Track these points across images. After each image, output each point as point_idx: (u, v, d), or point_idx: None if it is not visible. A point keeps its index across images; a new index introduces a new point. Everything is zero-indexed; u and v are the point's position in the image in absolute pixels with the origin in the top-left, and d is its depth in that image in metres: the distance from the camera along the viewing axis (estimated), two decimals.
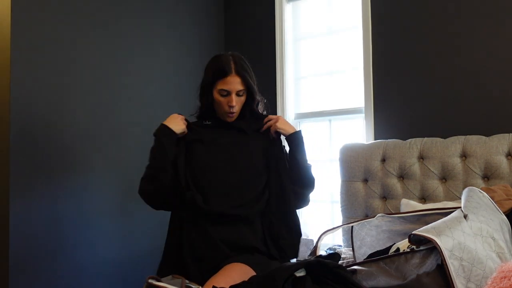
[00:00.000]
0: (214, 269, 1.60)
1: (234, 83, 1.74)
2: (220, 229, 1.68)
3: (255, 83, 1.81)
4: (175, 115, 1.81)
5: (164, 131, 1.75)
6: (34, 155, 2.23)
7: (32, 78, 2.24)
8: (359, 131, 2.77)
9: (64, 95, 2.37)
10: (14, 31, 2.16)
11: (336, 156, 2.57)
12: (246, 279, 1.48)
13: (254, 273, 1.58)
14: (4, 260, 2.11)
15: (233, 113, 1.78)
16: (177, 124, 1.77)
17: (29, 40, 2.23)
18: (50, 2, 2.32)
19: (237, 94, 1.77)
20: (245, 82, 1.76)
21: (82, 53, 2.46)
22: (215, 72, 1.76)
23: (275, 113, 3.00)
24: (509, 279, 1.09)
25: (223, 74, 1.74)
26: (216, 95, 1.77)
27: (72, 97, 2.41)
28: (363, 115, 2.70)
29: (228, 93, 1.75)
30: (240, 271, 1.55)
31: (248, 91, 1.80)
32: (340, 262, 1.38)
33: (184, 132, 1.78)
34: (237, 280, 1.45)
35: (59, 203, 2.32)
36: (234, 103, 1.75)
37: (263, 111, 1.92)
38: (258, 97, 1.84)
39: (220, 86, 1.75)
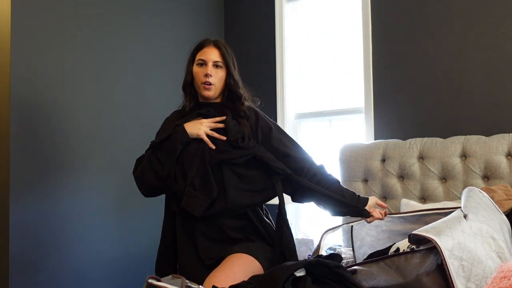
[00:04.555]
0: (214, 261, 1.60)
1: (211, 53, 1.76)
2: (210, 224, 1.68)
3: (235, 66, 1.80)
4: (201, 120, 1.74)
5: (182, 134, 1.70)
6: (34, 155, 2.23)
7: (32, 77, 2.24)
8: (359, 131, 2.77)
9: (63, 95, 2.37)
10: (14, 31, 2.16)
11: (336, 156, 2.57)
12: (248, 270, 1.48)
13: (256, 263, 1.58)
14: (4, 260, 2.11)
15: (209, 83, 1.73)
16: (195, 127, 1.71)
17: (29, 40, 2.23)
18: (50, 2, 2.32)
19: (214, 65, 1.75)
20: (222, 55, 1.76)
21: (82, 53, 2.46)
22: (194, 48, 1.81)
23: (275, 113, 3.01)
24: (509, 279, 1.09)
25: (201, 46, 1.79)
26: (194, 68, 1.77)
27: (72, 97, 2.41)
28: (363, 115, 2.70)
29: (204, 62, 1.74)
30: (242, 263, 1.54)
31: (227, 67, 1.77)
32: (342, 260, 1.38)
33: (199, 135, 1.71)
34: (239, 274, 1.45)
35: (59, 203, 2.32)
36: (209, 71, 1.72)
37: (251, 102, 1.87)
38: (237, 77, 1.80)
39: (198, 56, 1.77)
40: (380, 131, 2.60)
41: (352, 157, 2.47)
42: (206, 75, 1.72)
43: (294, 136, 3.05)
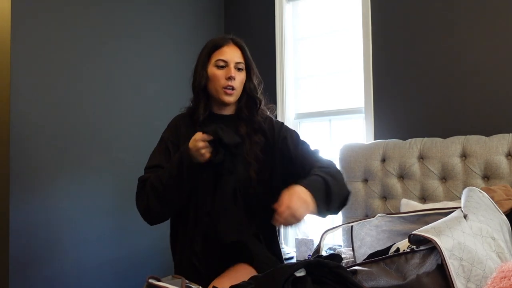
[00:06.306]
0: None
1: (232, 53, 1.56)
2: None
3: (255, 69, 1.63)
4: (196, 139, 1.41)
5: (189, 161, 1.42)
6: (34, 155, 2.23)
7: (32, 78, 2.24)
8: (359, 131, 2.77)
9: (63, 95, 2.37)
10: (14, 31, 2.16)
11: (336, 156, 2.57)
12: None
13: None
14: (4, 260, 2.11)
15: (232, 87, 1.53)
16: (198, 154, 1.41)
17: (29, 40, 2.23)
18: (50, 2, 2.32)
19: (236, 68, 1.56)
20: (244, 56, 1.59)
21: (81, 53, 2.46)
22: (211, 47, 1.58)
23: (275, 113, 3.00)
24: (509, 279, 1.09)
25: (220, 45, 1.58)
26: (211, 70, 1.55)
27: (72, 97, 2.41)
28: (363, 115, 2.70)
29: (225, 64, 1.55)
30: (248, 270, 1.53)
31: (247, 69, 1.60)
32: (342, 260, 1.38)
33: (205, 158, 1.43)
34: (246, 278, 1.44)
35: (58, 203, 2.32)
36: (232, 73, 1.52)
37: (267, 111, 1.69)
38: (256, 81, 1.62)
39: (217, 56, 1.56)
40: (380, 131, 2.60)
41: (352, 157, 2.46)
42: (230, 78, 1.53)
43: None
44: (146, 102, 2.78)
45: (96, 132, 2.51)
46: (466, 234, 1.22)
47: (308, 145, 1.59)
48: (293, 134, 1.62)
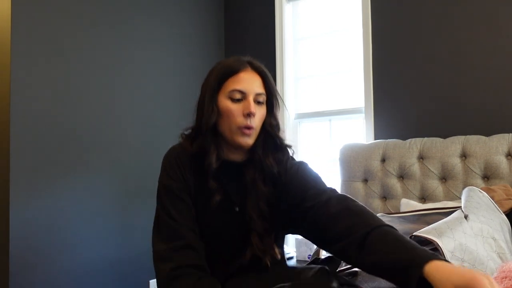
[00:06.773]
0: None
1: (252, 81, 1.22)
2: None
3: (278, 102, 1.30)
4: None
5: None
6: (34, 155, 2.23)
7: (32, 78, 2.24)
8: (359, 131, 2.77)
9: (64, 95, 2.37)
10: (14, 31, 2.16)
11: (336, 156, 2.57)
12: None
13: None
14: (4, 260, 2.11)
15: (251, 127, 1.19)
16: None
17: (29, 40, 2.22)
18: (50, 2, 2.32)
19: (256, 101, 1.22)
20: (266, 85, 1.26)
21: (82, 53, 2.46)
22: (223, 72, 1.23)
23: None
24: (510, 279, 1.09)
25: (235, 70, 1.23)
26: (224, 103, 1.21)
27: (72, 97, 2.41)
28: (363, 115, 2.71)
29: (243, 96, 1.20)
30: None
31: (269, 102, 1.26)
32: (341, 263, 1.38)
33: None
34: None
35: (59, 203, 2.31)
36: (252, 109, 1.18)
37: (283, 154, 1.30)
38: (278, 116, 1.29)
39: (231, 86, 1.21)
40: (380, 131, 2.60)
41: (352, 157, 2.47)
42: (249, 115, 1.18)
43: (294, 136, 3.06)
44: (147, 102, 2.78)
45: (97, 132, 2.50)
46: (467, 235, 1.22)
47: (319, 178, 1.25)
48: (301, 171, 1.27)
